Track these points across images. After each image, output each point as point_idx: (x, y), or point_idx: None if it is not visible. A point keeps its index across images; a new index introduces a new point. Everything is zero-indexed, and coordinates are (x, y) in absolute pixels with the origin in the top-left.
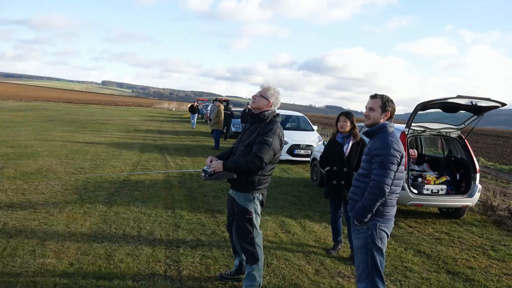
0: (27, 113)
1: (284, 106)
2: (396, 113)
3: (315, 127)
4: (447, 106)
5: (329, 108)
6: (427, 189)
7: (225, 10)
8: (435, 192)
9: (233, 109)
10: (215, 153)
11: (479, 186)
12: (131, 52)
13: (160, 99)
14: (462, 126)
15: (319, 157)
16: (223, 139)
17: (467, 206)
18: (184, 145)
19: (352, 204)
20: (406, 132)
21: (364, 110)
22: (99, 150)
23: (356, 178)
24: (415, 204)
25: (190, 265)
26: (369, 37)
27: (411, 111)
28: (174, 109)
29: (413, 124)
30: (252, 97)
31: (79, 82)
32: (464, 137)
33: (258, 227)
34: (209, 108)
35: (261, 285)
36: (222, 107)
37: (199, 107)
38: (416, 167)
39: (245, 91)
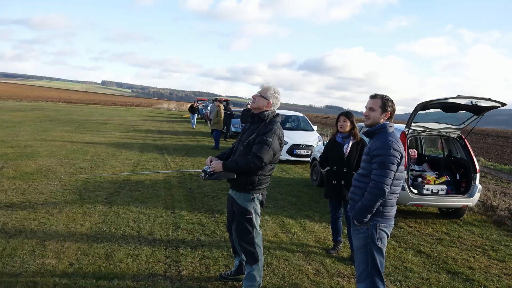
0: (27, 113)
1: (284, 106)
2: (396, 113)
3: (315, 127)
4: (447, 106)
5: (329, 108)
6: (427, 189)
7: (225, 10)
8: (435, 192)
9: (233, 109)
10: (215, 153)
11: (479, 186)
12: (131, 52)
13: (160, 99)
14: (462, 126)
15: (319, 157)
16: (223, 139)
17: (467, 206)
18: (184, 145)
19: (352, 204)
20: (406, 132)
21: (364, 110)
22: (98, 150)
23: (356, 178)
24: (415, 204)
25: (190, 265)
26: (369, 37)
27: (411, 111)
28: (174, 109)
29: (413, 124)
30: (252, 97)
31: (78, 82)
32: (464, 137)
33: (258, 227)
34: (209, 108)
35: (261, 285)
36: (222, 107)
37: (199, 107)
38: (416, 167)
39: (245, 91)
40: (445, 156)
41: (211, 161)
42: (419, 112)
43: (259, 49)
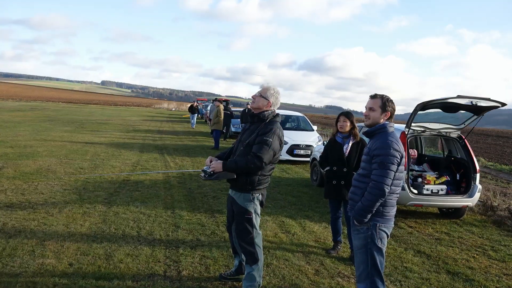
0: (27, 113)
1: (284, 106)
2: (396, 113)
3: (315, 127)
4: (447, 106)
5: (329, 108)
6: (427, 189)
7: (224, 10)
8: (435, 192)
9: (232, 109)
10: (214, 153)
11: (479, 186)
12: (131, 52)
13: (160, 99)
14: (462, 126)
15: (319, 157)
16: (222, 139)
17: (467, 206)
18: (184, 145)
19: (352, 204)
20: (406, 132)
21: (364, 110)
22: (98, 150)
23: (356, 178)
24: (415, 204)
25: (190, 265)
26: (369, 37)
27: (411, 111)
28: (173, 109)
29: (413, 124)
30: (252, 97)
31: (78, 82)
32: (464, 137)
33: (257, 227)
34: (208, 108)
35: (260, 285)
36: (221, 107)
37: (199, 107)
38: (416, 167)
39: (244, 91)
40: (445, 156)
41: (211, 161)
42: (419, 112)
43: (259, 49)
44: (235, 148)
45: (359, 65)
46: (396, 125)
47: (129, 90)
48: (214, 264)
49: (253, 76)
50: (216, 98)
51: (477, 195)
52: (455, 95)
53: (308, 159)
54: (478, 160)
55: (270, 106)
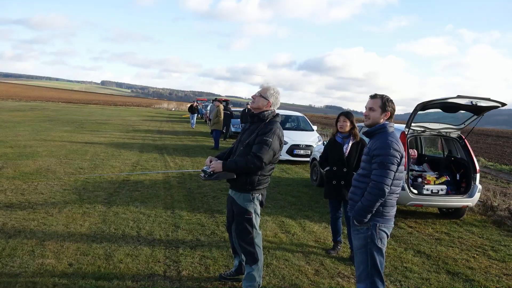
0: (26, 113)
1: (284, 106)
2: (396, 113)
3: (314, 127)
4: (447, 106)
5: (329, 108)
6: (427, 189)
7: (224, 10)
8: (435, 192)
9: (232, 109)
10: (214, 153)
11: (479, 186)
12: (131, 52)
13: (160, 99)
14: (462, 126)
15: (318, 157)
16: (222, 139)
17: (467, 206)
18: (184, 145)
19: (351, 204)
20: (406, 132)
21: (364, 110)
22: (98, 150)
23: (356, 178)
24: (415, 204)
25: (190, 266)
26: (369, 37)
27: (411, 111)
28: (173, 109)
29: (413, 124)
30: (252, 97)
31: (78, 82)
32: (464, 137)
33: (257, 228)
34: (208, 108)
35: (260, 286)
36: (221, 107)
37: (199, 107)
38: (416, 167)
39: (244, 91)
40: (445, 156)
41: (210, 161)
42: (419, 112)
43: (259, 49)
44: (235, 148)
45: (359, 65)
46: (396, 125)
47: (129, 90)
48: (214, 264)
49: (253, 76)
50: (216, 98)
51: (477, 195)
52: (455, 95)
53: (308, 159)
54: (478, 160)
55: (270, 106)
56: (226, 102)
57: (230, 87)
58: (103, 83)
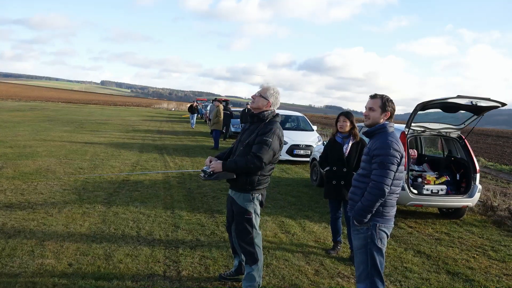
0: (26, 113)
1: (284, 106)
2: (396, 113)
3: (314, 127)
4: (447, 106)
5: (329, 108)
6: (427, 189)
7: (224, 10)
8: (435, 192)
9: (232, 109)
10: (214, 153)
11: (479, 186)
12: (130, 52)
13: (159, 99)
14: (462, 126)
15: (318, 157)
16: (222, 139)
17: (467, 206)
18: (184, 145)
19: (351, 204)
20: (406, 132)
21: (364, 110)
22: (98, 150)
23: (356, 178)
24: (415, 204)
25: (190, 266)
26: (369, 37)
27: (411, 111)
28: (173, 109)
29: (413, 124)
30: (252, 97)
31: (78, 82)
32: (464, 137)
33: (257, 228)
34: (208, 108)
35: (260, 286)
36: (221, 107)
37: (199, 107)
38: (416, 167)
39: (244, 91)
40: (445, 156)
41: (210, 161)
42: (419, 112)
43: (259, 49)
44: (235, 148)
45: (359, 65)
46: (396, 125)
47: (129, 90)
48: (213, 264)
49: (253, 76)
50: (215, 98)
51: (477, 195)
52: (455, 95)
53: (307, 159)
54: (478, 160)
55: (270, 106)
56: (226, 102)
57: (230, 87)
58: (102, 83)
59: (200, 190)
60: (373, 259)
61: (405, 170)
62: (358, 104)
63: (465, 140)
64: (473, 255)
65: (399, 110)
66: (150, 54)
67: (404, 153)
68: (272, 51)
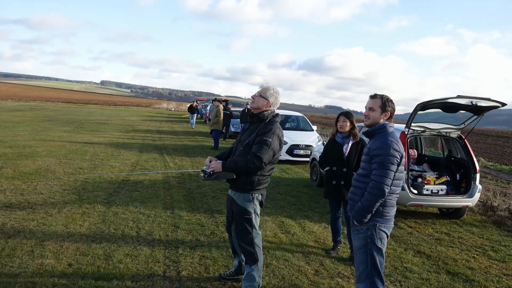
0: (26, 113)
1: (284, 106)
2: (396, 113)
3: (314, 127)
4: (447, 106)
5: (329, 108)
6: (427, 190)
7: (224, 10)
8: (435, 192)
9: (232, 109)
10: (214, 153)
11: (479, 187)
12: (130, 52)
13: (159, 99)
14: (462, 126)
15: (318, 157)
16: (222, 139)
17: (467, 206)
18: (183, 145)
19: (351, 205)
20: (406, 132)
21: (363, 110)
22: (98, 150)
23: (356, 178)
24: (415, 204)
25: (189, 266)
26: (369, 37)
27: (411, 111)
28: (173, 109)
29: (413, 124)
30: (252, 97)
31: (77, 82)
32: (464, 137)
33: (257, 228)
34: (208, 108)
35: (260, 286)
36: (221, 107)
37: (198, 107)
38: (416, 167)
39: (244, 91)
40: (445, 156)
41: (210, 161)
42: (419, 112)
43: (259, 49)
44: (235, 148)
45: (359, 65)
46: (396, 125)
47: (129, 90)
48: (213, 265)
49: (253, 76)
50: (215, 98)
51: (477, 195)
52: (455, 95)
53: (307, 159)
54: (478, 160)
55: (270, 106)
56: (226, 102)
57: (230, 87)
58: (102, 83)
59: (200, 190)
60: (373, 259)
61: (405, 170)
62: (358, 104)
63: (465, 140)
64: (473, 255)
65: (399, 110)
66: (150, 54)
67: (404, 153)
68: (272, 51)
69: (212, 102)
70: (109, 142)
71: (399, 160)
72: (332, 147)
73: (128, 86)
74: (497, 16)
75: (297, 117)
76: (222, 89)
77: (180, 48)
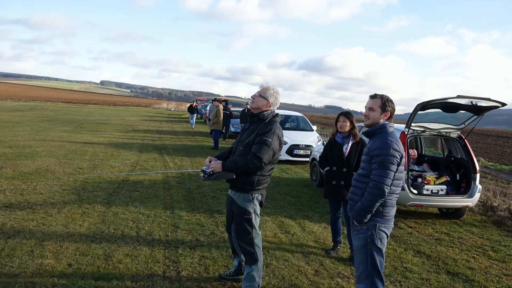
0: (26, 113)
1: (284, 106)
2: (396, 113)
3: (314, 127)
4: (447, 106)
5: (329, 108)
6: (427, 190)
7: (224, 10)
8: (435, 192)
9: (232, 109)
10: (214, 153)
11: (479, 187)
12: (130, 52)
13: (159, 99)
14: (462, 126)
15: (318, 157)
16: (222, 139)
17: (467, 206)
18: (183, 145)
19: (351, 205)
20: (406, 132)
21: (363, 110)
22: (97, 150)
23: (356, 178)
24: (415, 204)
25: (189, 266)
26: (369, 37)
27: (411, 111)
28: (173, 109)
29: (413, 124)
30: (251, 97)
31: (77, 82)
32: (464, 137)
33: (257, 228)
34: (208, 108)
35: (260, 286)
36: (221, 107)
37: (198, 107)
38: (416, 167)
39: (244, 91)
40: (445, 156)
41: (210, 161)
42: (419, 112)
43: (259, 49)
44: (235, 148)
45: (359, 65)
46: (396, 125)
47: (128, 90)
48: (213, 265)
49: (253, 76)
50: (215, 98)
51: (477, 195)
52: (455, 95)
53: (307, 159)
54: (478, 160)
55: (270, 106)
56: (226, 102)
57: (230, 87)
58: (102, 83)
59: (200, 190)
60: (373, 259)
61: (405, 170)
62: (358, 104)
63: (465, 140)
64: (473, 255)
65: (399, 110)
66: (150, 54)
67: (404, 153)
68: (272, 51)
69: (212, 102)
70: (109, 142)
71: (399, 160)
72: (332, 147)
73: (128, 86)
74: (497, 16)
75: (297, 117)
76: (222, 89)
77: (180, 48)
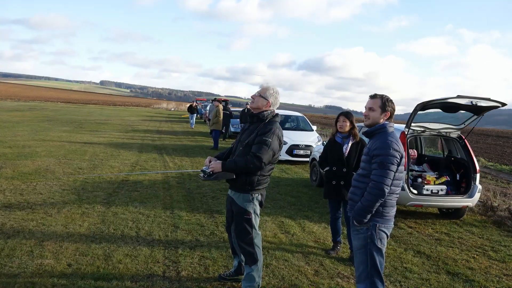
0: (25, 113)
1: (284, 106)
2: (396, 113)
3: (314, 127)
4: (447, 106)
5: (329, 108)
6: (427, 190)
7: (224, 10)
8: (435, 192)
9: (232, 109)
10: (214, 153)
11: (479, 187)
12: (130, 52)
13: (159, 99)
14: (462, 126)
15: (318, 157)
16: (222, 139)
17: (467, 206)
18: (183, 145)
19: (351, 205)
20: (406, 132)
21: (363, 110)
22: (97, 150)
23: (356, 179)
24: (415, 204)
25: (189, 266)
26: (369, 37)
27: (411, 111)
28: (172, 109)
29: (413, 124)
30: (251, 97)
31: (77, 82)
32: (464, 137)
33: (257, 228)
34: (208, 108)
35: (260, 286)
36: (221, 107)
37: (198, 107)
38: (416, 167)
39: (244, 91)
40: (445, 156)
41: (210, 161)
42: (419, 112)
43: (259, 49)
44: (235, 148)
45: (359, 65)
46: (396, 125)
47: (128, 90)
48: (213, 265)
49: (253, 76)
50: (215, 98)
51: (477, 195)
52: (455, 95)
53: (307, 159)
54: (478, 160)
55: (270, 106)
56: (226, 102)
57: (230, 87)
58: (102, 83)
59: (200, 190)
60: (373, 260)
61: (405, 170)
62: (358, 104)
63: (465, 140)
64: (473, 255)
65: (399, 110)
66: (150, 54)
67: (404, 153)
68: (272, 51)
69: (211, 102)
70: (109, 142)
71: (399, 160)
72: (332, 147)
73: (128, 86)
74: (497, 16)
75: (297, 117)
76: (222, 89)
77: (180, 48)
